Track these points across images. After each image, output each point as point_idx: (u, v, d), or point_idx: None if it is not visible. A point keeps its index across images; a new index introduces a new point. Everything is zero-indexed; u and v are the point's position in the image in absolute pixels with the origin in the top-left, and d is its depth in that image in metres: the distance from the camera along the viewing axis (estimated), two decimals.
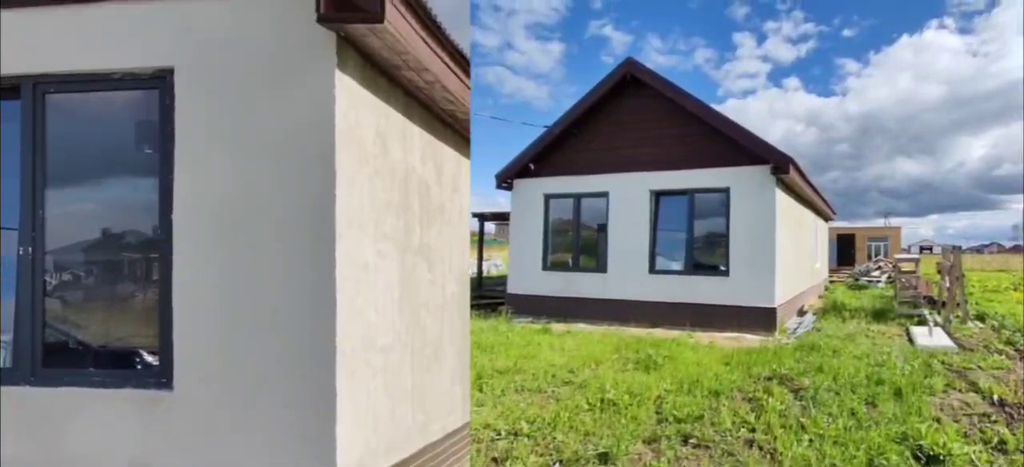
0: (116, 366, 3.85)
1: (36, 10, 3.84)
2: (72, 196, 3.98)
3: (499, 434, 5.67)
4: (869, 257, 40.30)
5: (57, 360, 3.88)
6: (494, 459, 5.13)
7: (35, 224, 3.86)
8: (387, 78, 4.16)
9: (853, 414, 6.20)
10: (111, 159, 4.03)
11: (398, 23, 3.48)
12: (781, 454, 5.18)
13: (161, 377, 3.68)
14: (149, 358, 3.79)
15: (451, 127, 5.32)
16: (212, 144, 3.65)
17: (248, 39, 3.64)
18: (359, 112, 3.78)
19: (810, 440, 5.49)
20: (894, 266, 20.51)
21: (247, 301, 3.58)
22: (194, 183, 3.66)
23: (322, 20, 3.43)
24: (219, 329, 3.61)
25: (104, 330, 4.04)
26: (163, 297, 3.68)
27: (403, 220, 4.43)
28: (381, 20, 3.33)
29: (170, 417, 3.64)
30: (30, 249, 3.85)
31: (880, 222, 58.66)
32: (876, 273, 27.18)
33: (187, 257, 3.65)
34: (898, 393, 6.98)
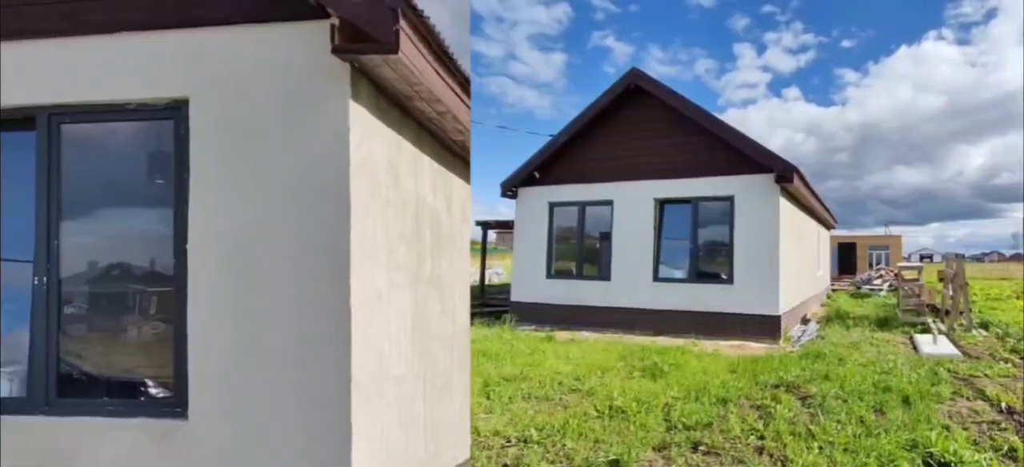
0: (130, 396, 3.85)
1: (52, 41, 3.84)
2: (86, 226, 3.98)
3: (509, 441, 5.68)
4: (870, 265, 40.19)
5: (71, 390, 3.88)
6: (505, 466, 5.14)
7: (50, 254, 3.85)
8: (399, 109, 4.18)
9: (862, 421, 6.22)
10: (126, 189, 4.04)
11: (412, 54, 3.48)
12: (792, 461, 5.19)
13: (176, 407, 3.68)
14: (163, 389, 3.79)
15: (460, 157, 5.34)
16: (227, 174, 3.65)
17: (263, 69, 3.64)
18: (372, 142, 3.79)
19: (820, 447, 5.51)
20: (896, 274, 20.51)
21: (262, 330, 3.58)
22: (209, 213, 3.66)
23: (337, 51, 3.45)
24: (234, 358, 3.61)
25: (119, 360, 4.04)
26: (177, 327, 3.68)
27: (415, 250, 4.44)
28: (396, 51, 3.33)
29: (185, 446, 3.65)
30: (45, 279, 3.85)
31: (881, 230, 58.50)
32: (878, 281, 27.16)
33: (201, 287, 3.65)
34: (906, 400, 7.00)
